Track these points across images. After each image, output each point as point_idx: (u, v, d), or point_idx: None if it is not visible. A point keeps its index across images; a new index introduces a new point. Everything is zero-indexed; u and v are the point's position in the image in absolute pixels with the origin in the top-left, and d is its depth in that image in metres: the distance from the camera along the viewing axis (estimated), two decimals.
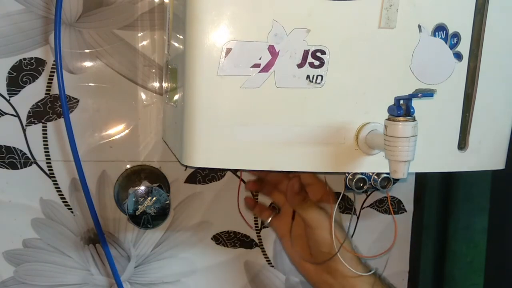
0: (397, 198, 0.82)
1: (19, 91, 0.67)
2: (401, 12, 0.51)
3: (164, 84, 0.68)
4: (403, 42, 0.52)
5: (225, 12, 0.48)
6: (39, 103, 0.68)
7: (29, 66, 0.67)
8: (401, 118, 0.48)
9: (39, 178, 0.69)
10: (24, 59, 0.66)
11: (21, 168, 0.69)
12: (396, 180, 0.58)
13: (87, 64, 0.68)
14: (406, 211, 0.82)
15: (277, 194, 0.73)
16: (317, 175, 0.69)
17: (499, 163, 0.58)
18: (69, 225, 0.72)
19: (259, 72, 0.49)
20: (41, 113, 0.68)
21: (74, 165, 0.60)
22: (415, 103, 0.50)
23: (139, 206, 0.66)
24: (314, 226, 0.65)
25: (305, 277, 0.70)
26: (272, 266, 0.80)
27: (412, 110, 0.49)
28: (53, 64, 0.67)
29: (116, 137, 0.70)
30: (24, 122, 0.68)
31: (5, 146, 0.68)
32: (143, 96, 0.70)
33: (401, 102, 0.49)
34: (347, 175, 0.57)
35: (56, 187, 0.70)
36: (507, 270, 0.76)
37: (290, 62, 0.50)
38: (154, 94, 0.70)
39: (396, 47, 0.52)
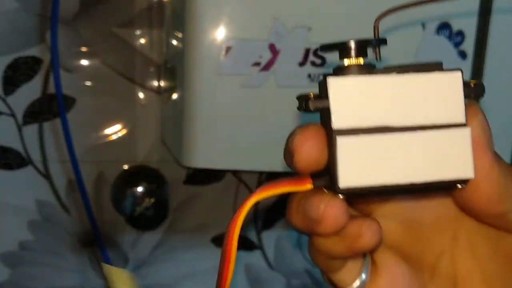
0: None
1: (15, 90, 0.66)
2: (404, 9, 0.50)
3: (163, 83, 0.67)
4: (406, 41, 0.51)
5: (225, 9, 0.47)
6: (35, 103, 0.67)
7: (25, 65, 0.66)
8: None
9: (35, 179, 0.69)
10: (20, 57, 0.66)
11: (17, 168, 0.68)
12: None
13: (84, 62, 0.67)
14: None
15: None
16: None
17: None
18: (65, 227, 0.71)
19: (260, 71, 0.49)
20: (37, 112, 0.67)
21: (71, 166, 0.60)
22: None
23: (137, 208, 0.65)
24: None
25: None
26: (273, 269, 0.79)
27: None
28: (49, 63, 0.66)
29: (114, 137, 0.70)
30: (20, 122, 0.67)
31: (0, 146, 0.68)
32: (141, 95, 0.69)
33: None
34: None
35: (52, 188, 0.70)
36: None
37: (291, 61, 0.49)
38: (153, 94, 0.70)
39: (399, 45, 0.51)
